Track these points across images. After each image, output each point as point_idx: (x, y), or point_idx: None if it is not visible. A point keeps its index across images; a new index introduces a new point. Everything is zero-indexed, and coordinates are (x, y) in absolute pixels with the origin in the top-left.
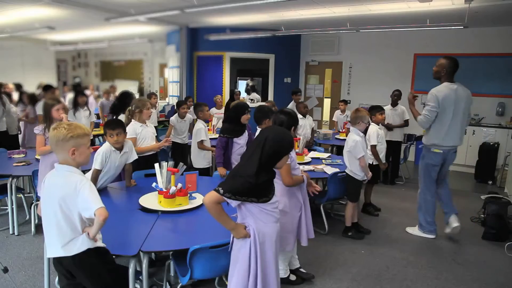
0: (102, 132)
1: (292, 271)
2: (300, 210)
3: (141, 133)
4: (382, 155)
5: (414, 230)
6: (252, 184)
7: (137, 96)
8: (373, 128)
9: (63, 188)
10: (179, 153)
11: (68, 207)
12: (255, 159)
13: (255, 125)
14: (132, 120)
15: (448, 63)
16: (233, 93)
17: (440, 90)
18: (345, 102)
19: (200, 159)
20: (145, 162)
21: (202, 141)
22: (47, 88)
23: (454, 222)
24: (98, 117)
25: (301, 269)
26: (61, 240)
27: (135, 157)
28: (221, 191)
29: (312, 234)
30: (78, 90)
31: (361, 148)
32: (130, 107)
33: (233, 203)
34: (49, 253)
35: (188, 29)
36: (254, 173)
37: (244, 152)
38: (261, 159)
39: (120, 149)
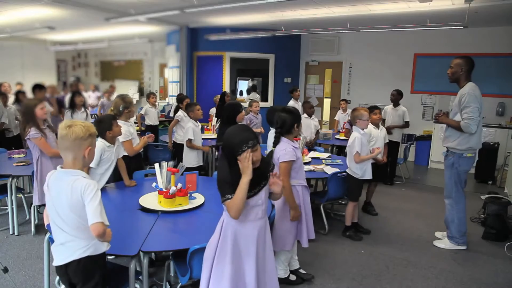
0: None
1: (292, 272)
2: (299, 210)
3: (133, 133)
4: (380, 154)
5: (446, 244)
6: (225, 179)
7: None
8: (367, 128)
9: (70, 194)
10: (180, 155)
11: (77, 213)
12: (223, 158)
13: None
14: (120, 120)
15: (465, 61)
16: (224, 95)
17: (474, 89)
18: (346, 101)
19: (190, 158)
20: (139, 161)
21: (190, 140)
22: (36, 87)
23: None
24: (97, 116)
25: (301, 270)
26: (74, 244)
27: (124, 152)
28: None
29: (313, 235)
30: (75, 90)
31: (358, 144)
32: (112, 108)
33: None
34: (59, 260)
35: (188, 29)
36: (228, 171)
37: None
38: (226, 156)
39: (114, 142)
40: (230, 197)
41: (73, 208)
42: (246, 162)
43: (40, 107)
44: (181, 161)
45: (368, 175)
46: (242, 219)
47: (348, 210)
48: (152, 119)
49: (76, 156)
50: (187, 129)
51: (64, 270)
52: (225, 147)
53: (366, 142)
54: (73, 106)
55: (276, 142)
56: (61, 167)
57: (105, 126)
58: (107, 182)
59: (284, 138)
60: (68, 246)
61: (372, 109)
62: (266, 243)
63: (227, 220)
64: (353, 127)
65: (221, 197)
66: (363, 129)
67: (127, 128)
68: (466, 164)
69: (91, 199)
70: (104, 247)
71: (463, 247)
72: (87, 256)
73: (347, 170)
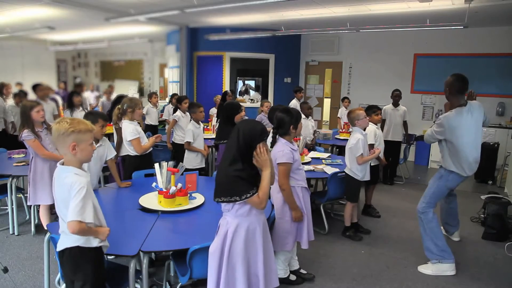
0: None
1: (292, 272)
2: (303, 208)
3: (140, 132)
4: (363, 158)
5: (431, 269)
6: (240, 176)
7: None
8: (371, 127)
9: (62, 190)
10: (180, 155)
11: (67, 207)
12: (235, 154)
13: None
14: (126, 120)
15: (453, 80)
16: (226, 94)
17: (449, 117)
18: (348, 98)
19: (191, 159)
20: (148, 160)
21: (189, 142)
22: (36, 86)
23: (456, 237)
24: None
25: (302, 270)
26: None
27: (114, 153)
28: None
29: (312, 236)
30: (74, 90)
31: (361, 146)
32: (119, 106)
33: (227, 206)
34: (58, 247)
35: (188, 29)
36: (242, 168)
37: (224, 151)
38: (239, 152)
39: (96, 141)
40: (250, 194)
41: (64, 203)
42: (265, 156)
43: (36, 110)
44: (181, 161)
45: (367, 177)
46: (250, 213)
47: (347, 211)
48: (153, 119)
49: (65, 152)
50: (187, 131)
51: (61, 259)
52: (245, 138)
53: (366, 143)
54: (71, 106)
55: (273, 143)
56: (62, 163)
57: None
58: (107, 182)
59: (282, 139)
60: (65, 234)
61: (373, 109)
62: (267, 234)
63: (237, 219)
64: (354, 128)
65: (231, 196)
66: (364, 129)
67: (134, 127)
68: (453, 181)
69: (73, 197)
70: (95, 242)
71: (448, 263)
72: (77, 246)
73: (346, 171)
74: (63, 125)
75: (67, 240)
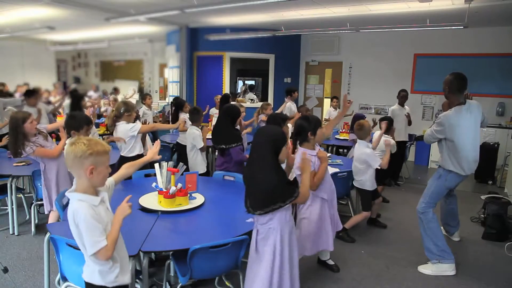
0: (101, 132)
1: (320, 262)
2: (320, 219)
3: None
4: (385, 160)
5: (431, 269)
6: (278, 182)
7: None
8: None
9: (69, 218)
10: (182, 155)
11: (76, 237)
12: (270, 162)
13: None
14: (123, 122)
15: (452, 78)
16: (228, 97)
17: (449, 116)
18: (338, 98)
19: (199, 164)
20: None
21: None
22: (30, 93)
23: (456, 237)
24: (98, 117)
25: (329, 261)
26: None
27: None
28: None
29: (340, 226)
30: (77, 94)
31: (376, 157)
32: (114, 110)
33: (265, 217)
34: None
35: (188, 29)
36: (278, 172)
37: (250, 161)
38: (273, 159)
39: None
40: (296, 194)
41: (73, 227)
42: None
43: (29, 121)
44: (184, 164)
45: (375, 185)
46: (286, 218)
47: (358, 218)
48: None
49: (80, 175)
50: (197, 138)
51: None
52: (276, 143)
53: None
54: (78, 110)
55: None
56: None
57: (73, 124)
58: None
59: (301, 148)
60: (86, 264)
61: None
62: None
63: (279, 226)
64: (361, 141)
65: (275, 203)
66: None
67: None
68: (452, 180)
69: (84, 228)
70: (98, 278)
71: (448, 263)
72: (86, 281)
73: (355, 185)
74: (80, 147)
75: (84, 272)
